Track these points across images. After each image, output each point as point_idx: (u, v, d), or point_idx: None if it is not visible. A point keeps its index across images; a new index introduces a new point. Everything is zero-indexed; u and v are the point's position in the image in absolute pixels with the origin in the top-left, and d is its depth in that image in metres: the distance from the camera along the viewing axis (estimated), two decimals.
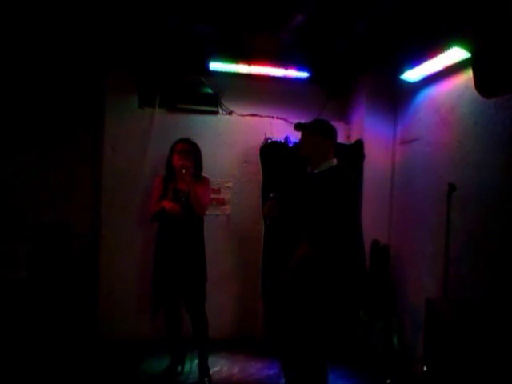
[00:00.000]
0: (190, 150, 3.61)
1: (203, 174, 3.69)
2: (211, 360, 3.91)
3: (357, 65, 4.34)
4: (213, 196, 4.24)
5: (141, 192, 4.33)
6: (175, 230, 3.51)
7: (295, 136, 4.31)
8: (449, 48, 3.20)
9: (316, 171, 2.91)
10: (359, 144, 4.41)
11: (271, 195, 3.03)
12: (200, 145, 3.75)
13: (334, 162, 2.94)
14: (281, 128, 4.59)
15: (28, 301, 3.95)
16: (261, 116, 4.63)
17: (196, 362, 3.68)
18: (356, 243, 2.90)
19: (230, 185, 4.58)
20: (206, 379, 3.57)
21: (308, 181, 2.92)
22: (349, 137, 4.66)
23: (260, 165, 4.50)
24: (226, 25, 3.65)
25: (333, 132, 3.01)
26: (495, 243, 3.02)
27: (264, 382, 3.72)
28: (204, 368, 3.60)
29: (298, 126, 3.02)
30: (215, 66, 4.20)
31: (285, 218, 3.01)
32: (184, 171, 3.47)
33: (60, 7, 3.39)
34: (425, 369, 3.07)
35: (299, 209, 2.89)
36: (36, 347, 3.81)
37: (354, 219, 2.82)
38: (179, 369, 3.73)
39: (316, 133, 2.96)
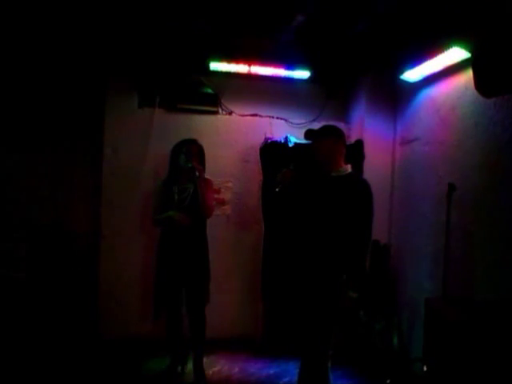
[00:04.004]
0: (197, 152, 3.62)
1: (206, 176, 3.70)
2: (211, 360, 3.93)
3: (357, 65, 4.34)
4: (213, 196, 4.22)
5: (141, 192, 4.34)
6: (180, 232, 3.51)
7: (295, 136, 4.34)
8: (449, 48, 3.20)
9: (334, 174, 2.93)
10: (359, 144, 4.41)
11: (290, 167, 3.05)
12: None
13: (349, 168, 2.98)
14: (281, 128, 4.59)
15: (27, 301, 3.95)
16: (261, 116, 4.63)
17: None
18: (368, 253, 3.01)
19: (230, 185, 4.58)
20: (201, 379, 3.57)
21: (327, 184, 2.94)
22: (349, 137, 4.66)
23: (260, 165, 4.50)
24: (226, 25, 3.65)
25: (343, 135, 3.06)
26: (495, 243, 3.02)
27: (264, 381, 3.73)
28: (199, 368, 3.60)
29: (308, 134, 3.05)
30: (215, 66, 4.20)
31: (295, 217, 3.06)
32: (197, 174, 3.47)
33: (61, 8, 3.39)
34: (425, 369, 3.07)
35: (318, 210, 2.91)
36: (36, 347, 3.81)
37: (368, 230, 2.89)
38: (179, 369, 3.73)
39: (327, 137, 2.99)
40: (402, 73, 3.88)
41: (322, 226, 2.87)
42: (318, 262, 2.86)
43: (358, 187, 2.90)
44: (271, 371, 3.90)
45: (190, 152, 3.58)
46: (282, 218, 3.96)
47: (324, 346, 2.83)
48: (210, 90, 4.50)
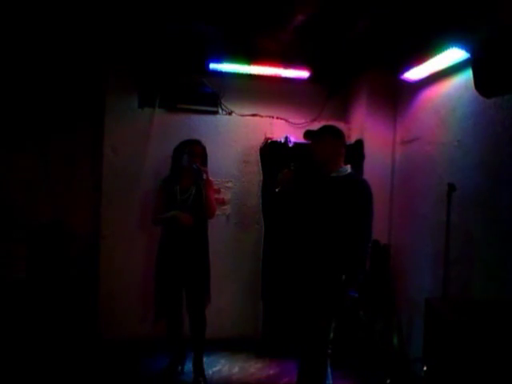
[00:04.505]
0: (201, 153, 3.63)
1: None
2: (211, 360, 3.93)
3: (357, 65, 4.34)
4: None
5: (141, 192, 4.34)
6: (182, 233, 3.50)
7: (295, 136, 4.34)
8: (449, 48, 3.20)
9: (334, 175, 2.93)
10: (359, 144, 4.41)
11: (291, 167, 3.05)
12: None
13: (349, 168, 2.99)
14: (281, 128, 4.59)
15: (27, 301, 3.96)
16: (261, 116, 4.63)
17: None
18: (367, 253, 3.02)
19: (230, 185, 4.58)
20: (200, 379, 3.57)
21: (327, 184, 2.94)
22: (349, 137, 4.66)
23: (260, 165, 4.50)
24: (226, 25, 3.64)
25: (342, 135, 3.06)
26: (495, 243, 3.02)
27: (264, 382, 3.73)
28: (199, 368, 3.60)
29: (307, 135, 3.06)
30: (215, 65, 4.20)
31: (295, 217, 3.07)
32: (205, 176, 3.47)
33: (61, 8, 3.39)
34: (425, 369, 3.07)
35: (318, 210, 2.92)
36: (36, 347, 3.81)
37: (368, 230, 2.91)
38: (179, 369, 3.73)
39: (326, 137, 3.00)
40: (402, 73, 3.88)
41: (321, 227, 2.88)
42: (317, 262, 2.86)
43: (358, 187, 2.91)
44: (271, 371, 3.90)
45: (194, 152, 3.58)
46: (282, 218, 3.97)
47: (323, 345, 2.83)
48: (209, 90, 4.50)
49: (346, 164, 2.99)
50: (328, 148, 2.95)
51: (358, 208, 2.81)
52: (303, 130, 3.13)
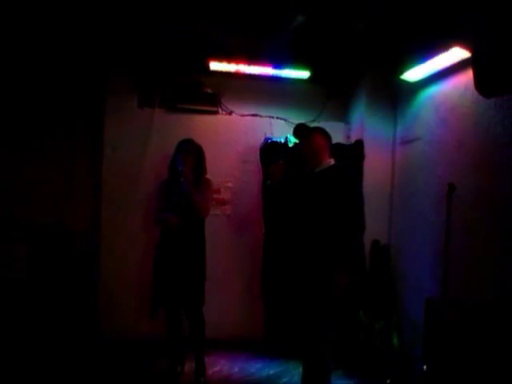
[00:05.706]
0: (191, 152, 3.60)
1: (206, 176, 3.68)
2: (211, 360, 3.92)
3: (357, 65, 4.34)
4: (213, 196, 4.22)
5: (141, 191, 4.34)
6: (177, 232, 3.50)
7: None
8: (449, 48, 3.21)
9: (317, 170, 3.03)
10: (359, 144, 4.40)
11: (280, 161, 3.20)
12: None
13: (332, 161, 3.08)
14: (281, 128, 4.59)
15: (27, 301, 3.96)
16: (261, 116, 4.63)
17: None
18: (360, 241, 3.02)
19: (230, 185, 4.58)
20: (201, 379, 3.57)
21: (310, 180, 3.02)
22: (349, 137, 4.66)
23: (260, 164, 4.50)
24: (226, 25, 3.64)
25: (329, 135, 3.17)
26: (495, 243, 3.02)
27: (264, 381, 3.72)
28: (199, 368, 3.60)
29: (296, 131, 3.18)
30: (215, 66, 4.20)
31: (287, 215, 3.12)
32: (183, 179, 3.46)
33: (61, 9, 3.39)
34: (425, 369, 3.07)
35: (305, 207, 2.99)
36: (36, 347, 3.81)
37: (357, 217, 2.89)
38: (179, 369, 3.73)
39: (313, 133, 3.15)
40: (402, 73, 3.88)
41: (310, 220, 2.95)
42: (310, 255, 2.90)
43: (340, 175, 3.00)
44: (271, 371, 3.89)
45: (186, 150, 3.56)
46: (274, 211, 4.01)
47: (320, 340, 2.84)
48: (209, 90, 4.50)
49: (330, 158, 3.09)
50: (314, 144, 3.07)
51: (343, 195, 2.87)
52: None
